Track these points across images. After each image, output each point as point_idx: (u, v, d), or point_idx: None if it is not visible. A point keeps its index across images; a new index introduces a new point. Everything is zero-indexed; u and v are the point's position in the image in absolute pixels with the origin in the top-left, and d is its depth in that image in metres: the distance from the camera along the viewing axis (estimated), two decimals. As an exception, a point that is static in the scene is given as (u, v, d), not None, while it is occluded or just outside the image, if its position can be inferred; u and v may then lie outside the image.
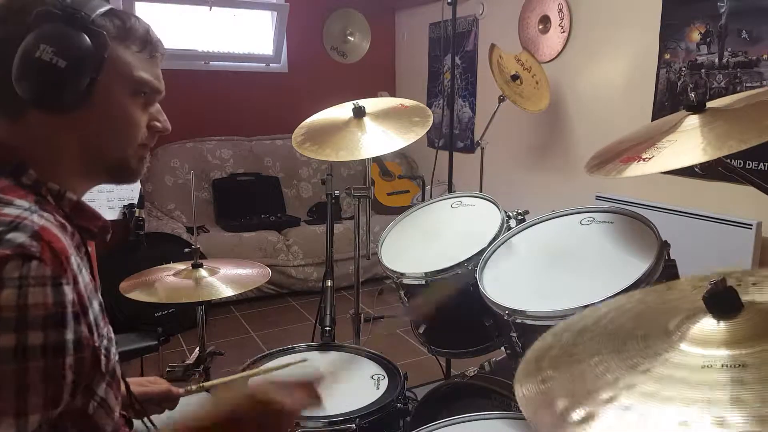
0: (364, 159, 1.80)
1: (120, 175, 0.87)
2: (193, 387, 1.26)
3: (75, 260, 0.72)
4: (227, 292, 1.57)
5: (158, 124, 0.89)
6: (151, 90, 0.86)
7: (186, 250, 1.71)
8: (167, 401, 1.18)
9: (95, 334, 0.74)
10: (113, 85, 0.80)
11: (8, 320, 0.61)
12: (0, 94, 0.75)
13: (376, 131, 1.77)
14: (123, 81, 0.82)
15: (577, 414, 0.64)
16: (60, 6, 0.75)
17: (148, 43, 0.85)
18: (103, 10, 0.79)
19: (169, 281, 1.60)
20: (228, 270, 1.68)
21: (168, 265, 1.70)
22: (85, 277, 0.74)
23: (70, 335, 0.67)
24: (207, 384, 1.29)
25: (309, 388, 0.95)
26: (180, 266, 1.67)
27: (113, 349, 0.81)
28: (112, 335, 0.82)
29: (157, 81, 0.87)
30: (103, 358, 0.76)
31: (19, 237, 0.64)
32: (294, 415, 0.91)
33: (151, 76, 0.85)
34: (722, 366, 0.64)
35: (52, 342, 0.65)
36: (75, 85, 0.76)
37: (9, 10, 0.76)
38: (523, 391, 0.73)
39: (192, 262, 1.65)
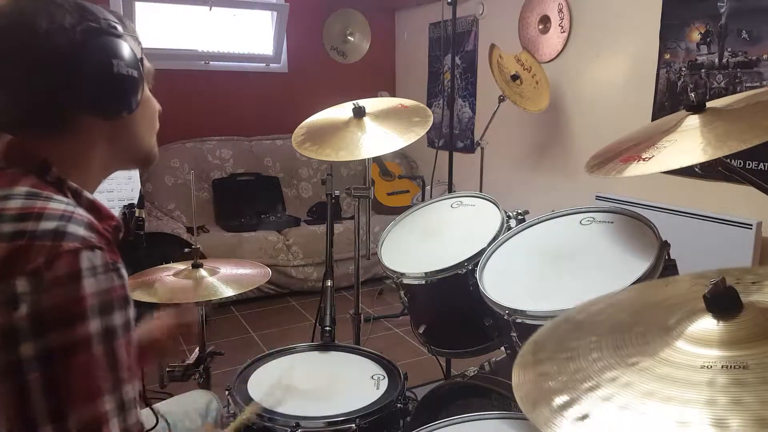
0: (364, 159, 1.80)
1: (148, 162, 0.94)
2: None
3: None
4: (227, 292, 1.57)
5: (159, 107, 0.95)
6: (152, 77, 0.92)
7: (186, 249, 1.71)
8: None
9: None
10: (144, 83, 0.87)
11: (94, 307, 0.67)
12: (44, 111, 0.78)
13: (376, 131, 1.77)
14: (147, 76, 0.88)
15: (576, 411, 0.64)
16: (99, 21, 0.80)
17: (136, 33, 0.89)
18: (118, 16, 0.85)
19: (169, 281, 1.60)
20: (228, 270, 1.68)
21: (168, 265, 1.70)
22: None
23: (132, 313, 0.73)
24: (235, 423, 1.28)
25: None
26: (180, 266, 1.68)
27: None
28: None
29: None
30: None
31: (78, 230, 0.70)
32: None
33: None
34: (722, 366, 0.63)
35: (126, 320, 0.71)
36: (142, 90, 0.85)
37: (51, 30, 0.76)
38: (520, 386, 0.73)
39: (192, 261, 1.65)
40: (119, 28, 0.82)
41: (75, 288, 0.66)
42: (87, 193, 0.83)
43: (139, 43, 0.87)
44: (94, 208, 0.83)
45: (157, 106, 0.93)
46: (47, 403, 0.64)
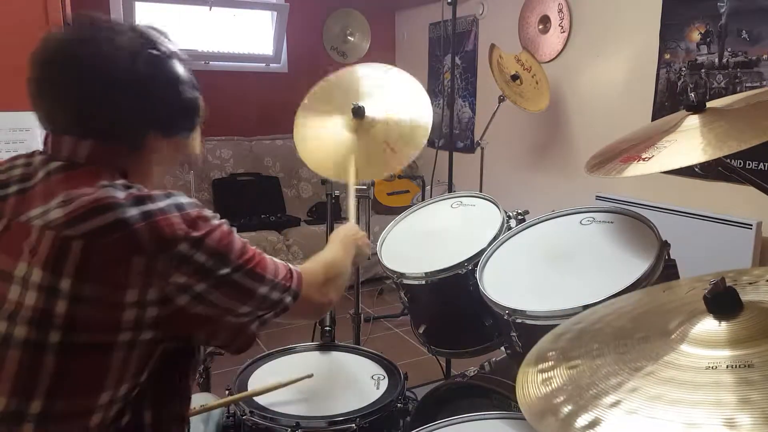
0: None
1: (197, 166, 1.14)
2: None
3: None
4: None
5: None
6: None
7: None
8: None
9: None
10: None
11: (231, 229, 0.89)
12: (124, 132, 0.89)
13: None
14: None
15: (583, 419, 0.64)
16: (161, 47, 0.91)
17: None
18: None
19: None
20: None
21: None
22: None
23: None
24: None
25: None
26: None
27: None
28: None
29: None
30: None
31: (185, 198, 0.85)
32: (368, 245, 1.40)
33: None
34: (727, 366, 0.63)
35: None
36: (198, 116, 1.00)
37: (116, 57, 0.86)
38: (525, 396, 0.73)
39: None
40: (178, 53, 0.94)
41: (219, 229, 0.86)
42: None
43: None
44: None
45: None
46: (252, 282, 0.89)
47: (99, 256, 0.77)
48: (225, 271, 0.84)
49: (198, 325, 0.86)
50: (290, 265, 0.99)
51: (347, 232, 1.36)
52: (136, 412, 0.85)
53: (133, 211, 0.79)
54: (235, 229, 0.90)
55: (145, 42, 0.89)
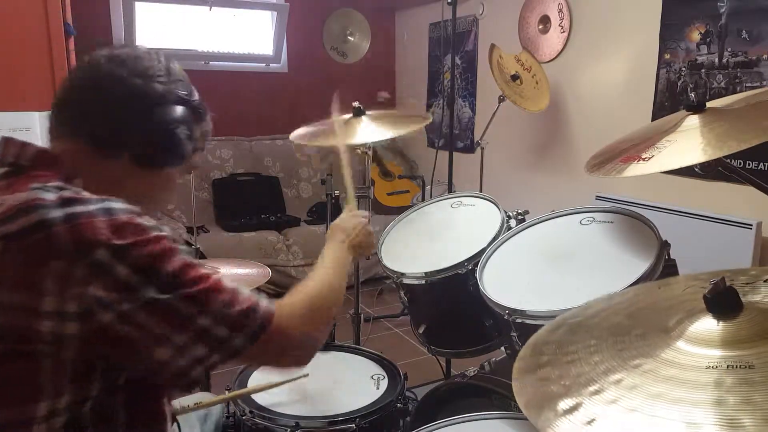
0: (364, 159, 1.81)
1: (155, 212, 0.99)
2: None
3: None
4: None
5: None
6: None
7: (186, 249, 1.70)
8: None
9: None
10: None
11: (171, 242, 0.81)
12: (99, 137, 0.88)
13: (370, 124, 1.80)
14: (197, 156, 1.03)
15: (582, 415, 0.64)
16: (186, 96, 0.96)
17: (209, 126, 1.06)
18: (197, 95, 1.01)
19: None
20: (228, 270, 1.68)
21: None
22: None
23: None
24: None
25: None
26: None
27: None
28: None
29: None
30: None
31: (120, 204, 0.79)
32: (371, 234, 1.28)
33: None
34: (728, 366, 0.63)
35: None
36: (177, 159, 0.95)
37: (143, 73, 0.90)
38: (522, 391, 0.73)
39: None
40: (201, 109, 0.98)
41: (152, 239, 0.78)
42: None
43: (207, 123, 1.02)
44: None
45: (175, 185, 1.01)
46: (191, 311, 0.78)
47: (17, 259, 0.73)
48: (152, 290, 0.75)
49: (128, 351, 0.77)
50: (262, 300, 0.86)
51: (345, 230, 1.23)
52: (104, 428, 0.80)
53: (57, 213, 0.74)
54: (181, 248, 0.82)
55: (166, 73, 0.93)
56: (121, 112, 0.88)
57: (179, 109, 0.93)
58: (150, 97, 0.90)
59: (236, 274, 1.68)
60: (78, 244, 0.73)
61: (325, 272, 1.12)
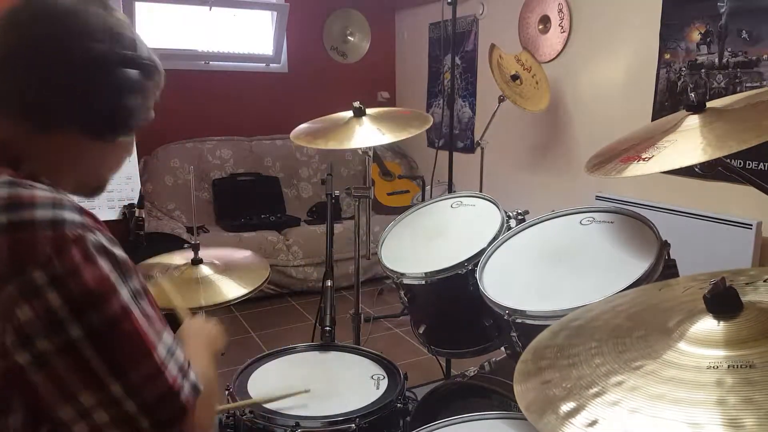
0: (365, 159, 1.81)
1: (92, 194, 0.91)
2: None
3: None
4: (228, 289, 1.56)
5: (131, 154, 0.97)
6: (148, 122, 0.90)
7: (185, 245, 1.69)
8: None
9: None
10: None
11: (118, 279, 0.71)
12: (39, 111, 0.77)
13: (371, 126, 1.80)
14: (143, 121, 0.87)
15: (584, 417, 0.64)
16: (137, 56, 0.81)
17: (160, 80, 0.89)
18: (147, 51, 0.85)
19: (168, 277, 1.59)
20: (225, 260, 1.67)
21: (167, 260, 1.68)
22: None
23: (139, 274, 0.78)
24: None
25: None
26: (180, 261, 1.66)
27: None
28: None
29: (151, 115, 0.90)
30: None
31: (74, 216, 0.71)
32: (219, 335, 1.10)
33: (151, 113, 0.89)
34: (729, 366, 0.63)
35: (141, 280, 0.76)
36: (125, 129, 0.83)
37: (84, 35, 0.78)
38: (524, 395, 0.73)
39: (192, 258, 1.64)
40: (150, 63, 0.84)
41: (95, 269, 0.69)
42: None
43: (159, 76, 0.87)
44: None
45: (130, 154, 0.92)
46: (109, 369, 0.68)
47: None
48: (77, 330, 0.66)
49: (30, 404, 0.67)
50: (187, 385, 0.74)
51: (200, 333, 1.06)
52: None
53: (0, 218, 0.67)
54: (126, 283, 0.72)
55: (115, 35, 0.79)
56: (59, 80, 0.76)
57: (125, 71, 0.80)
58: (93, 60, 0.77)
59: (234, 261, 1.67)
60: (14, 260, 0.65)
61: (208, 361, 0.94)
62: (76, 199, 0.77)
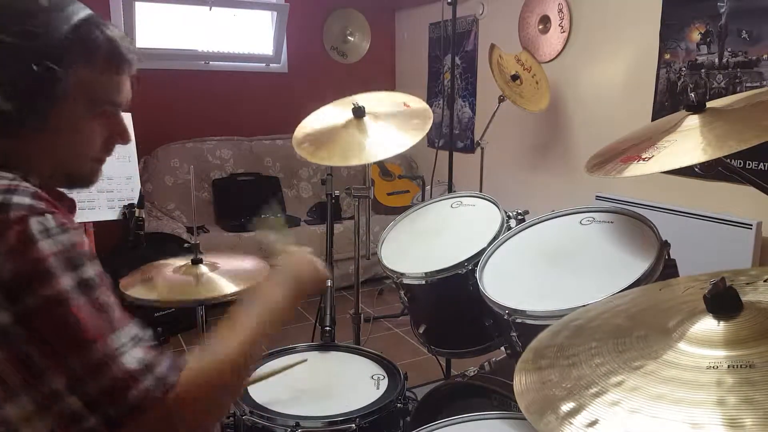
0: (365, 163, 1.81)
1: (71, 185, 0.89)
2: None
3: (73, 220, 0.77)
4: (228, 288, 1.56)
5: (118, 138, 0.89)
6: (112, 106, 0.85)
7: (186, 245, 1.70)
8: None
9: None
10: (70, 109, 0.79)
11: (59, 264, 0.67)
12: None
13: (376, 135, 1.76)
14: (81, 104, 0.80)
15: (584, 417, 0.64)
16: (17, 35, 0.73)
17: (113, 61, 0.82)
18: (65, 29, 0.76)
19: (168, 277, 1.59)
20: (227, 263, 1.67)
21: (168, 261, 1.69)
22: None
23: (99, 266, 0.73)
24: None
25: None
26: (180, 262, 1.66)
27: None
28: None
29: (118, 95, 0.85)
30: None
31: (24, 199, 0.69)
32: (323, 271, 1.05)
33: (113, 94, 0.84)
34: (729, 366, 0.63)
35: (99, 271, 0.72)
36: (22, 123, 0.76)
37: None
38: (524, 395, 0.73)
39: (192, 257, 1.64)
40: (44, 48, 0.74)
41: (31, 251, 0.66)
42: (34, 179, 0.80)
43: (88, 64, 0.79)
44: (45, 188, 0.81)
45: (99, 135, 0.85)
46: (45, 358, 0.65)
47: None
48: (11, 315, 0.64)
49: None
50: (148, 378, 0.68)
51: (296, 278, 0.99)
52: None
53: None
54: (78, 259, 0.69)
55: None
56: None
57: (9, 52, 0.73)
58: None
59: (236, 268, 1.67)
60: None
61: (244, 345, 0.85)
62: (106, 206, 0.76)
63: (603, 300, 0.94)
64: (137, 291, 1.51)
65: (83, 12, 0.80)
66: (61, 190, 0.87)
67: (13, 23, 0.74)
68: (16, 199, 0.68)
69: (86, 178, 0.88)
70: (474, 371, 1.48)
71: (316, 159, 1.72)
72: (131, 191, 2.15)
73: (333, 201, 2.03)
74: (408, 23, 4.83)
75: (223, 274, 1.62)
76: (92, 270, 0.71)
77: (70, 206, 0.89)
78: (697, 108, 1.15)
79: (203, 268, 1.62)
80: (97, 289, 0.70)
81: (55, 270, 0.67)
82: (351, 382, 1.51)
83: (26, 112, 0.75)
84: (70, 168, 0.85)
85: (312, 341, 1.76)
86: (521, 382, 0.76)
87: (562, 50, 3.29)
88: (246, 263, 1.72)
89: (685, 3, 2.62)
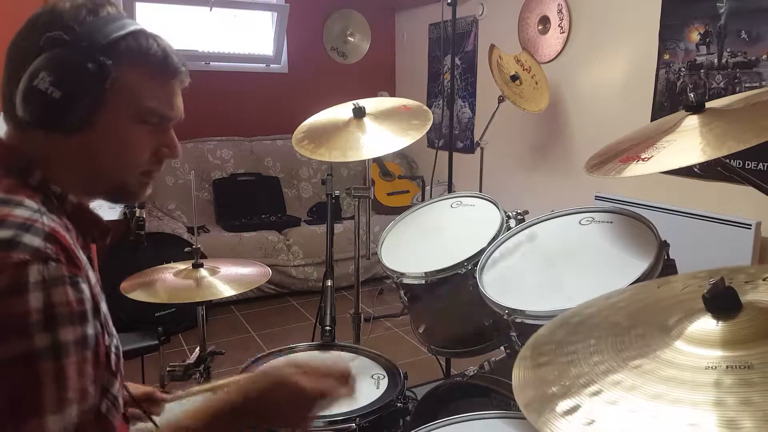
0: (365, 159, 1.81)
1: (117, 197, 0.87)
2: (180, 393, 1.19)
3: (83, 259, 0.74)
4: (228, 291, 1.57)
5: (166, 150, 0.87)
6: (162, 118, 0.84)
7: (186, 249, 1.71)
8: (150, 404, 1.11)
9: (105, 333, 0.75)
10: (117, 112, 0.79)
11: (39, 322, 0.64)
12: (13, 107, 0.76)
13: (374, 133, 1.78)
14: (129, 108, 0.80)
15: (582, 416, 0.64)
16: (71, 32, 0.75)
17: (164, 69, 0.82)
18: (119, 34, 0.78)
19: (169, 281, 1.60)
20: (228, 269, 1.68)
21: (168, 265, 1.70)
22: (92, 277, 0.75)
23: (91, 330, 0.70)
24: (194, 390, 1.26)
25: (339, 377, 0.92)
26: (180, 266, 1.68)
27: (120, 348, 0.82)
28: (116, 334, 0.82)
29: (169, 108, 0.84)
30: (113, 356, 0.77)
31: (34, 240, 0.66)
32: (314, 400, 0.87)
33: (162, 104, 0.83)
34: (727, 367, 0.63)
35: (80, 337, 0.68)
36: (70, 114, 0.75)
37: (30, 27, 0.77)
38: (522, 393, 0.73)
39: (192, 261, 1.65)
40: (97, 46, 0.75)
41: (18, 302, 0.63)
42: (72, 197, 0.81)
43: (140, 69, 0.79)
44: (80, 211, 0.81)
45: (147, 146, 0.84)
46: None
47: None
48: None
49: None
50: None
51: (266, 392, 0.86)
52: None
53: None
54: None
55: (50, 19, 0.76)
56: (6, 75, 0.76)
57: (44, 57, 0.74)
58: (21, 49, 0.76)
59: (237, 274, 1.68)
60: None
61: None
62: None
63: (602, 296, 0.93)
64: (137, 295, 1.53)
65: (137, 25, 0.82)
66: (98, 214, 0.84)
67: (73, 22, 0.76)
68: (27, 238, 0.66)
69: (132, 191, 0.85)
70: (474, 371, 1.49)
71: (316, 156, 1.72)
72: (132, 191, 2.15)
73: (333, 201, 2.03)
74: (408, 24, 4.83)
75: (222, 278, 1.63)
76: (72, 334, 0.67)
77: (103, 232, 0.85)
78: (697, 108, 1.15)
79: (204, 272, 1.63)
80: (67, 357, 0.66)
81: (33, 327, 0.63)
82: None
83: (73, 103, 0.74)
84: (113, 178, 0.83)
85: (312, 341, 1.76)
86: (519, 378, 0.76)
87: (561, 51, 3.29)
88: (245, 267, 1.74)
89: (685, 3, 2.62)
